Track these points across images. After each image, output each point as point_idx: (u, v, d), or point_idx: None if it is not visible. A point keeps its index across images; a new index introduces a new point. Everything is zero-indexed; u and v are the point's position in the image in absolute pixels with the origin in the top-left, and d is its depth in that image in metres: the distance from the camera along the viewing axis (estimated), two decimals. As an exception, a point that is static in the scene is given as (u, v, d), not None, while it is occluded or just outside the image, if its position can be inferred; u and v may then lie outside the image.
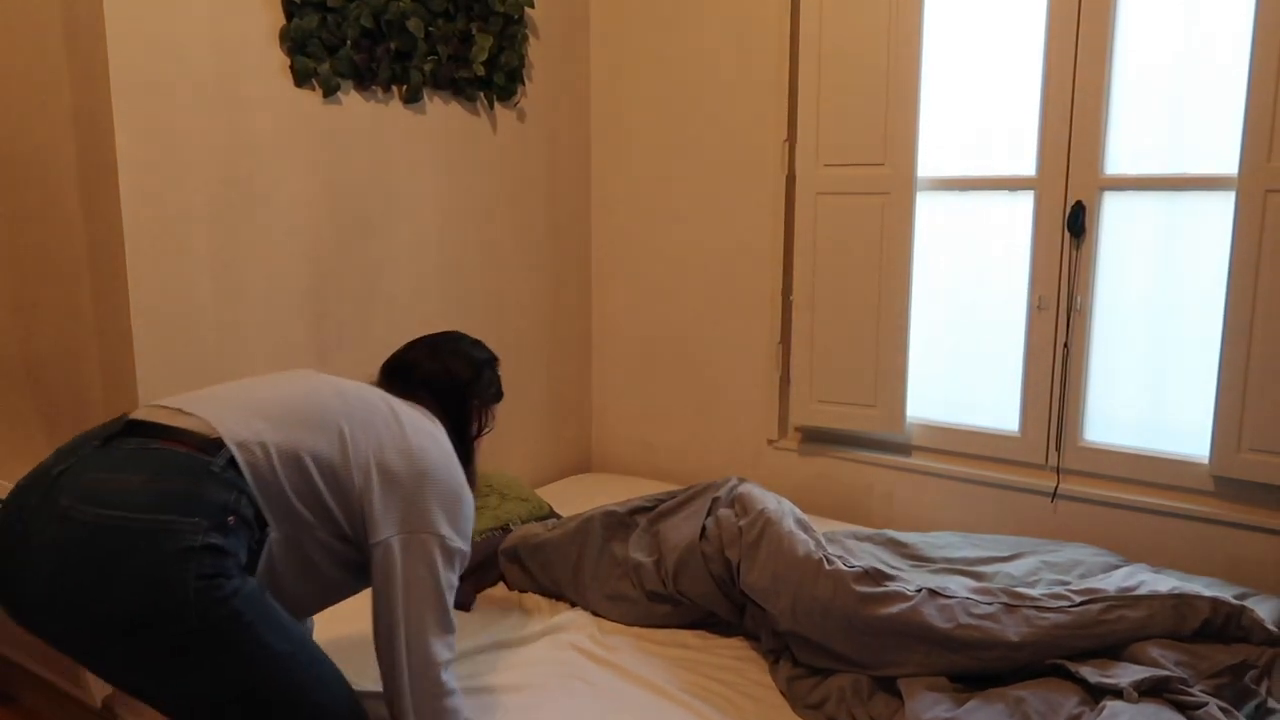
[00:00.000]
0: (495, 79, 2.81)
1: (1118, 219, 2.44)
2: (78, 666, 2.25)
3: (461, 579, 2.14)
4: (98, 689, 2.29)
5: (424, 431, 1.64)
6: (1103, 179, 2.43)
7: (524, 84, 2.94)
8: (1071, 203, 2.46)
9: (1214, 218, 2.32)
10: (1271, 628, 1.76)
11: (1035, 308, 2.55)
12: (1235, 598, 1.89)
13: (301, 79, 2.36)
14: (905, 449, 2.81)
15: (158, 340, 2.15)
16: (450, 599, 1.58)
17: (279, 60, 2.32)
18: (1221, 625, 1.77)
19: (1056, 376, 2.53)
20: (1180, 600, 1.78)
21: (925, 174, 2.67)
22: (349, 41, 2.42)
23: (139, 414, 1.49)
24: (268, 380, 1.65)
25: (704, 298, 3.03)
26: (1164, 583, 1.86)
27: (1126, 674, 1.66)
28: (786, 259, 2.89)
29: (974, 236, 2.67)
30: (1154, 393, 2.47)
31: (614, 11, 3.12)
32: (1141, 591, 1.81)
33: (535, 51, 2.97)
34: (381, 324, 2.62)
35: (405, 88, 2.59)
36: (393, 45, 2.52)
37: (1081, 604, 1.79)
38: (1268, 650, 1.73)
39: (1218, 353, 2.29)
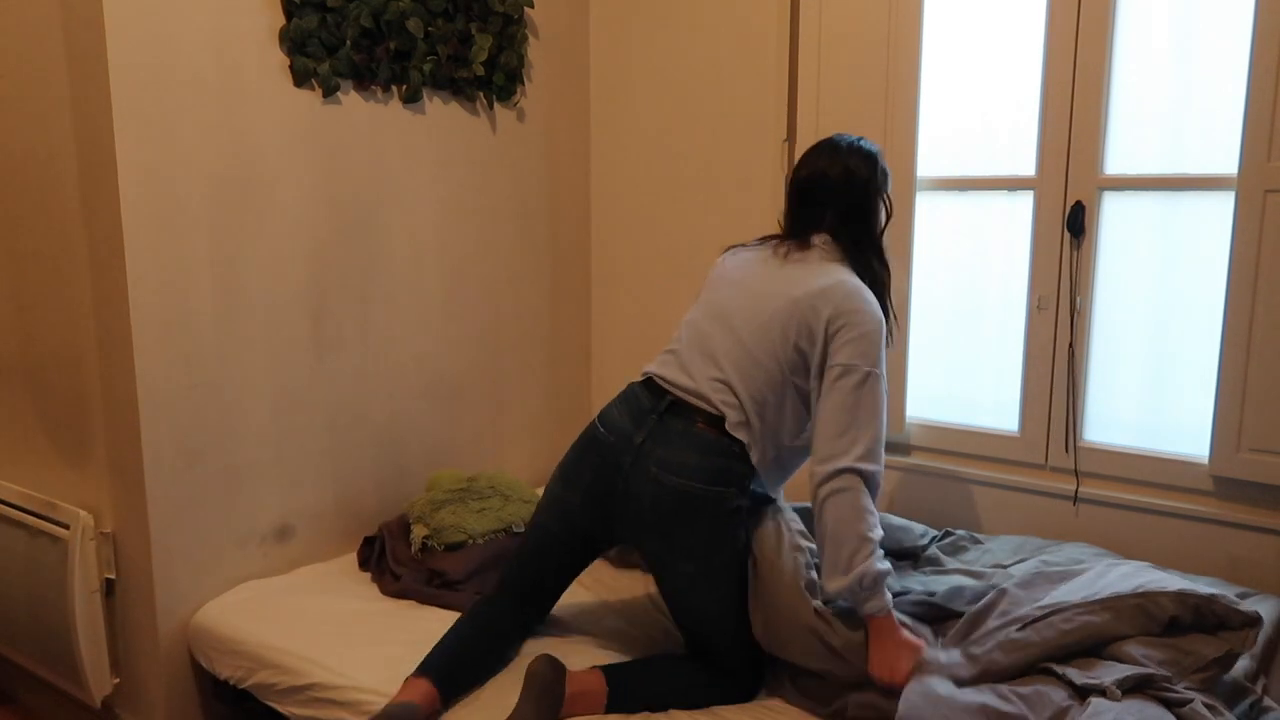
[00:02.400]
0: (495, 79, 2.81)
1: (1118, 219, 2.44)
2: (77, 666, 2.25)
3: (462, 583, 2.18)
4: (98, 689, 2.29)
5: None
6: (1102, 179, 2.43)
7: (523, 84, 2.94)
8: (1071, 202, 2.45)
9: (1214, 218, 2.31)
10: (1246, 608, 1.72)
11: (1035, 308, 2.55)
12: (1236, 596, 1.88)
13: (301, 79, 2.36)
14: (905, 449, 2.81)
15: (158, 340, 2.16)
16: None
17: (278, 60, 2.32)
18: (1194, 618, 1.73)
19: (1056, 376, 2.53)
20: (1144, 598, 1.75)
21: (925, 174, 2.66)
22: (348, 41, 2.42)
23: (665, 384, 1.94)
24: (731, 315, 1.94)
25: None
26: (1163, 581, 1.84)
27: (1109, 673, 1.64)
28: (786, 259, 2.89)
29: (974, 236, 2.67)
30: (1154, 393, 2.47)
31: (614, 11, 3.12)
32: (1106, 594, 1.78)
33: (535, 51, 2.97)
34: (381, 323, 2.62)
35: (405, 88, 2.59)
36: (392, 45, 2.52)
37: (1042, 618, 1.76)
38: (1250, 633, 1.69)
39: (1218, 353, 2.29)
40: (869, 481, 1.77)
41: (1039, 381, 2.56)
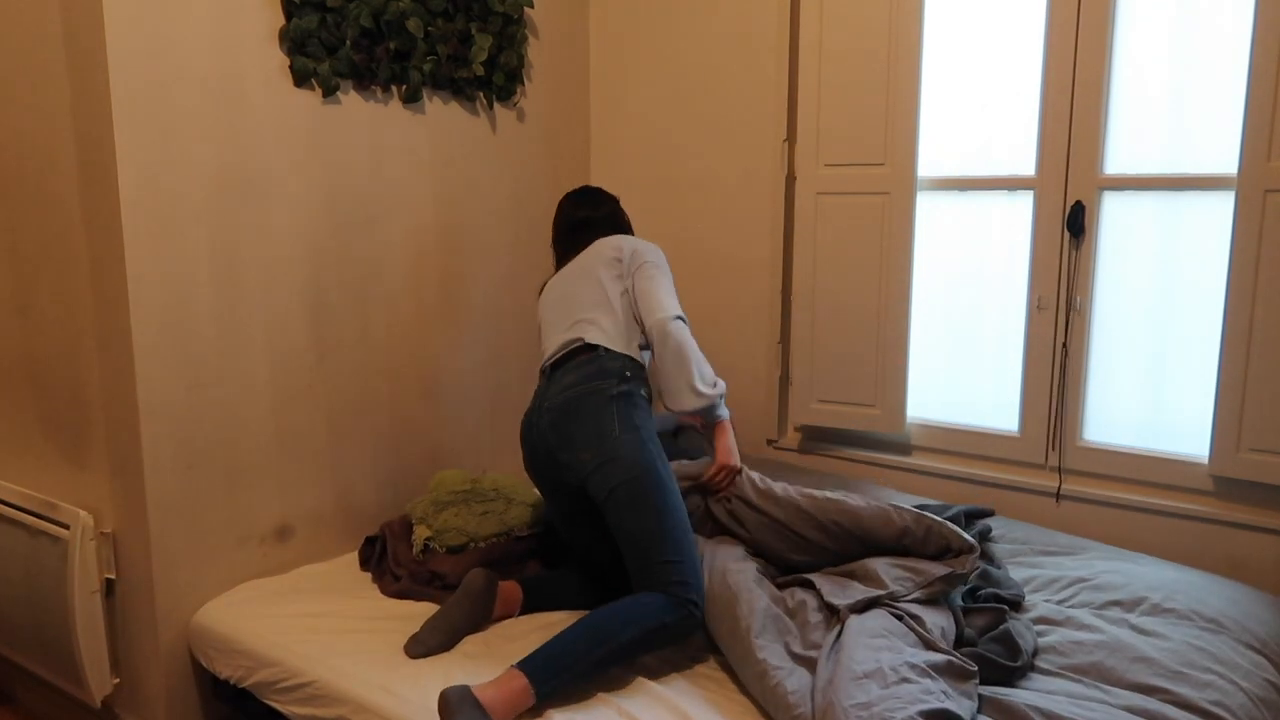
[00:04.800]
0: (494, 79, 2.81)
1: (1117, 219, 2.44)
2: (77, 666, 2.25)
3: (449, 585, 2.22)
4: (98, 689, 2.29)
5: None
6: (1102, 179, 2.43)
7: (523, 84, 2.93)
8: (1071, 203, 2.45)
9: (1214, 218, 2.32)
10: (967, 536, 2.03)
11: (1035, 308, 2.55)
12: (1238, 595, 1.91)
13: (301, 79, 2.35)
14: (905, 449, 2.81)
15: (158, 340, 2.15)
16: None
17: (278, 60, 2.32)
18: (924, 537, 2.05)
19: (1057, 377, 2.53)
20: (894, 508, 2.11)
21: (925, 174, 2.67)
22: (348, 41, 2.42)
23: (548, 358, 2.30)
24: (570, 292, 2.34)
25: (704, 298, 3.03)
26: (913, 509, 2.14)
27: (849, 595, 1.97)
28: (786, 259, 2.89)
29: (974, 236, 2.67)
30: (1153, 393, 2.47)
31: (614, 11, 3.12)
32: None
33: (535, 51, 2.96)
34: (381, 323, 2.62)
35: (404, 87, 2.59)
36: (392, 45, 2.52)
37: (822, 498, 2.18)
38: (968, 558, 2.00)
39: (1217, 353, 2.29)
40: (685, 320, 2.23)
41: (1039, 381, 2.56)
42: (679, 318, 2.23)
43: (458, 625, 2.07)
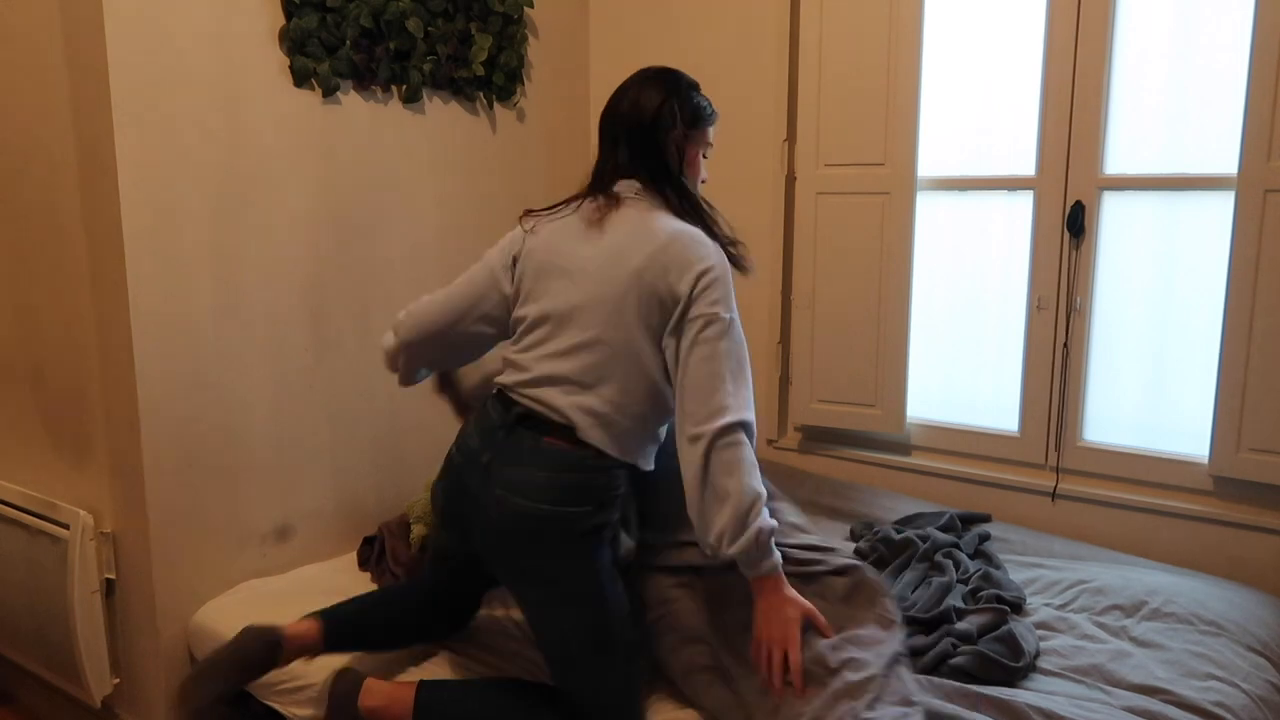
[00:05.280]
0: (494, 79, 2.81)
1: (1117, 219, 2.44)
2: (78, 666, 2.25)
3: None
4: (98, 689, 2.29)
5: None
6: (1102, 179, 2.43)
7: (523, 84, 2.93)
8: (1071, 203, 2.45)
9: (1214, 218, 2.31)
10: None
11: (1035, 308, 2.55)
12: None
13: (300, 79, 2.35)
14: (905, 449, 2.81)
15: (158, 340, 2.15)
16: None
17: (278, 60, 2.32)
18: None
19: (1056, 377, 2.53)
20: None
21: (925, 174, 2.66)
22: (348, 41, 2.42)
23: (514, 394, 1.75)
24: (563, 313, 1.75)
25: (704, 298, 3.03)
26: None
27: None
28: (786, 259, 2.89)
29: (974, 236, 2.67)
30: (1154, 393, 2.47)
31: (614, 11, 3.12)
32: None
33: (535, 51, 2.96)
34: (381, 323, 2.61)
35: (404, 88, 2.59)
36: (392, 45, 2.52)
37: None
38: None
39: (1217, 353, 2.29)
40: (750, 432, 1.62)
41: (1039, 381, 2.56)
42: (740, 424, 1.59)
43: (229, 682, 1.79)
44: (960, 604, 2.00)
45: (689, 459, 1.61)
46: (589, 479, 1.70)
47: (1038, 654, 1.89)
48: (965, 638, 1.89)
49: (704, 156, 1.89)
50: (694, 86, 1.85)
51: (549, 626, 1.74)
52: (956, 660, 1.83)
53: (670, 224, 1.74)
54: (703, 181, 1.90)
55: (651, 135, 1.78)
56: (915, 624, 1.92)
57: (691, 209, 1.79)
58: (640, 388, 1.70)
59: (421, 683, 1.80)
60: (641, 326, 1.68)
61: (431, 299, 1.95)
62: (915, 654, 1.84)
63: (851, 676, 1.63)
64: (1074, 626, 2.00)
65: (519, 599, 1.84)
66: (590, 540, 1.70)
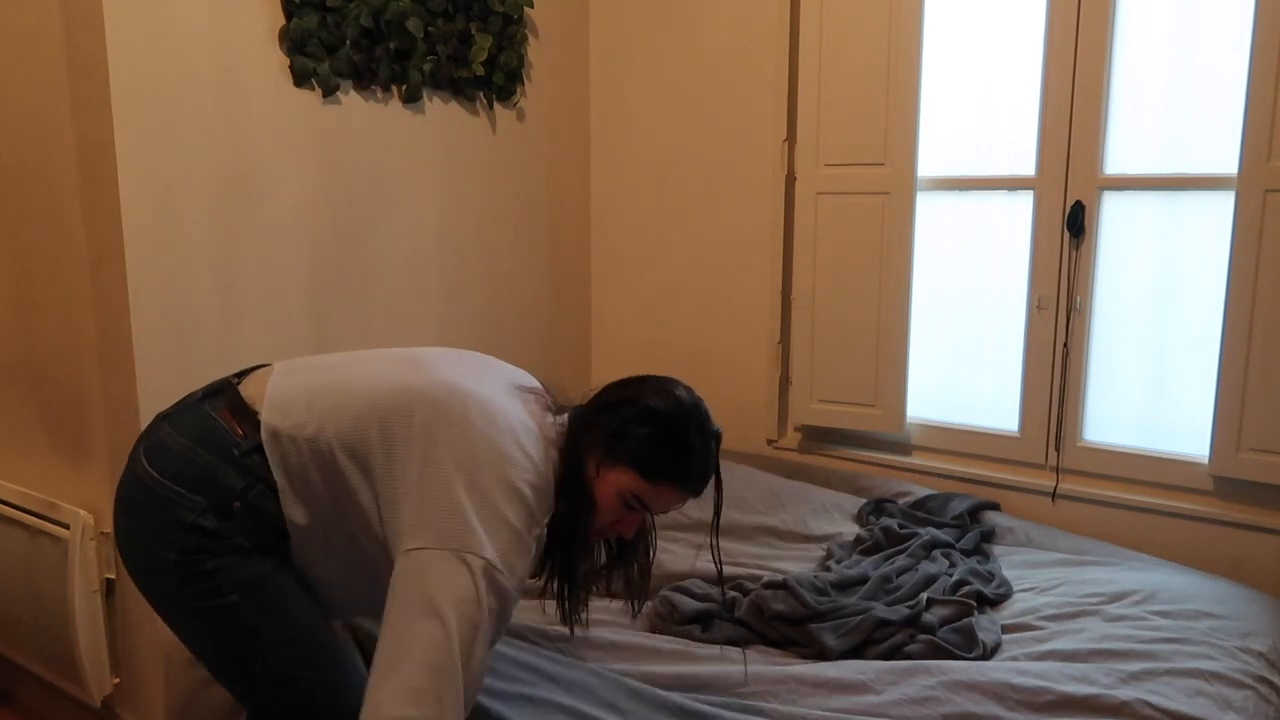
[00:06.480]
0: (494, 79, 2.81)
1: (1117, 219, 2.44)
2: (77, 666, 2.25)
3: None
4: (98, 689, 2.29)
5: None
6: (1102, 179, 2.43)
7: (523, 84, 2.93)
8: (1071, 203, 2.46)
9: (1214, 218, 2.32)
10: None
11: (1035, 308, 2.55)
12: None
13: (301, 79, 2.35)
14: (905, 448, 2.81)
15: (158, 340, 2.15)
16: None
17: (278, 60, 2.32)
18: None
19: (1056, 376, 2.53)
20: None
21: (925, 174, 2.67)
22: (348, 41, 2.42)
23: (266, 367, 1.57)
24: (383, 361, 1.56)
25: (704, 298, 3.03)
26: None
27: None
28: (786, 259, 2.89)
29: (974, 236, 2.67)
30: (1154, 393, 2.47)
31: (614, 11, 3.12)
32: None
33: (535, 51, 2.96)
34: (381, 323, 2.62)
35: (404, 87, 2.59)
36: (392, 45, 2.52)
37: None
38: None
39: (1217, 353, 2.29)
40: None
41: (1039, 381, 2.56)
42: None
43: None
44: (938, 596, 2.05)
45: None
46: (226, 470, 1.43)
47: (997, 646, 1.92)
48: (927, 628, 1.93)
49: (630, 506, 1.45)
50: (688, 428, 1.46)
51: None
52: (911, 648, 1.88)
53: (522, 408, 1.52)
54: (624, 538, 1.55)
55: (595, 419, 1.47)
56: (885, 624, 1.96)
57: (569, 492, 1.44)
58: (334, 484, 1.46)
59: None
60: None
61: None
62: (873, 642, 1.91)
63: None
64: (1065, 617, 2.01)
65: None
66: (191, 563, 1.43)
